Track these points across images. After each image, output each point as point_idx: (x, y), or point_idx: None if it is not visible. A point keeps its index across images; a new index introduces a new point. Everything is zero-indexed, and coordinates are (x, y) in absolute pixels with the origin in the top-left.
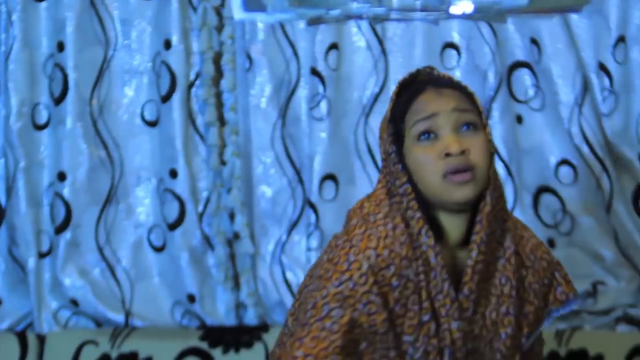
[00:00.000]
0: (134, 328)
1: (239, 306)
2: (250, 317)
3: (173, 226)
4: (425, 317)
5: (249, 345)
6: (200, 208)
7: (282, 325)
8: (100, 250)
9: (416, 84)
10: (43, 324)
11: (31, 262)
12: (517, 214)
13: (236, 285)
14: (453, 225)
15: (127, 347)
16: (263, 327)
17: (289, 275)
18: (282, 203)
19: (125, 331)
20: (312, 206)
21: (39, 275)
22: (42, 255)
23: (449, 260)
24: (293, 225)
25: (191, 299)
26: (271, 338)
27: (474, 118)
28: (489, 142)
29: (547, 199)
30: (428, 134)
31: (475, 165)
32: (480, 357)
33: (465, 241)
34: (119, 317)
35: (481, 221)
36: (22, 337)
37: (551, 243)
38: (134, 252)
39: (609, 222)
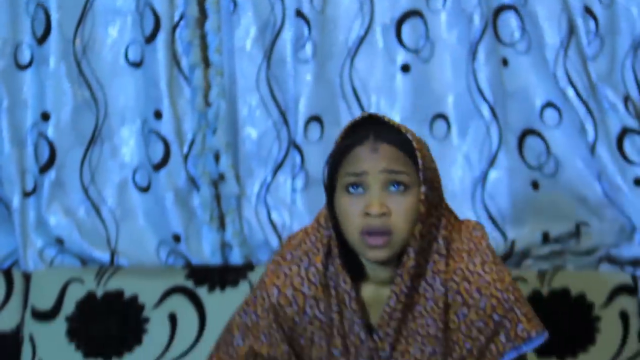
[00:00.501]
0: (119, 267)
1: (224, 246)
2: (236, 257)
3: (158, 167)
4: (335, 352)
5: (234, 284)
6: (185, 149)
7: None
8: (85, 190)
9: (358, 133)
10: (29, 262)
11: (16, 201)
12: (502, 156)
13: (221, 226)
14: (378, 269)
15: (113, 285)
16: (248, 267)
17: (274, 215)
18: (267, 144)
19: (111, 270)
20: (298, 148)
21: (24, 214)
22: (26, 194)
23: (374, 295)
24: (278, 167)
25: (176, 238)
26: (256, 277)
27: (405, 178)
28: (420, 201)
29: (531, 141)
30: (357, 186)
31: (393, 228)
32: None
33: (393, 280)
34: (105, 256)
35: (402, 274)
36: (7, 275)
37: (535, 185)
38: (119, 192)
39: (593, 165)
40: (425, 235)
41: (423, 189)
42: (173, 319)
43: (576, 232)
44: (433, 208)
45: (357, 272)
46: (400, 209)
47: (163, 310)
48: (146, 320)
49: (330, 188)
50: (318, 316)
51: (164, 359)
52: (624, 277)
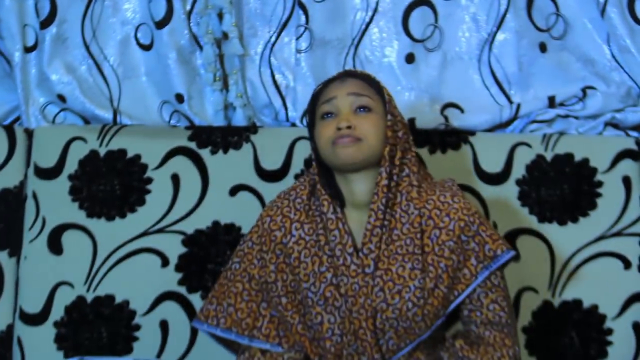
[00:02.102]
0: (122, 126)
1: (228, 107)
2: (239, 119)
3: (160, 24)
4: (322, 268)
5: (237, 146)
6: (188, 6)
7: (269, 126)
8: (87, 46)
9: (332, 78)
10: (31, 119)
11: (17, 56)
12: (510, 17)
13: (225, 86)
14: (356, 193)
15: (116, 144)
16: (252, 129)
17: (277, 77)
18: (271, 3)
19: (114, 129)
20: (302, 6)
21: (25, 69)
22: (27, 50)
23: (357, 222)
24: (283, 26)
25: (179, 98)
26: (259, 139)
27: (370, 102)
28: (387, 127)
29: (540, 2)
30: (330, 114)
31: (362, 137)
32: (383, 312)
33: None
34: (107, 115)
35: (377, 192)
36: (9, 131)
37: (543, 47)
38: (121, 49)
39: (602, 26)
40: (396, 161)
41: (389, 116)
42: (176, 180)
43: (582, 96)
44: (401, 144)
45: (339, 201)
46: (366, 123)
47: (166, 171)
48: (149, 180)
49: (312, 126)
50: (303, 237)
51: (166, 219)
52: (628, 142)
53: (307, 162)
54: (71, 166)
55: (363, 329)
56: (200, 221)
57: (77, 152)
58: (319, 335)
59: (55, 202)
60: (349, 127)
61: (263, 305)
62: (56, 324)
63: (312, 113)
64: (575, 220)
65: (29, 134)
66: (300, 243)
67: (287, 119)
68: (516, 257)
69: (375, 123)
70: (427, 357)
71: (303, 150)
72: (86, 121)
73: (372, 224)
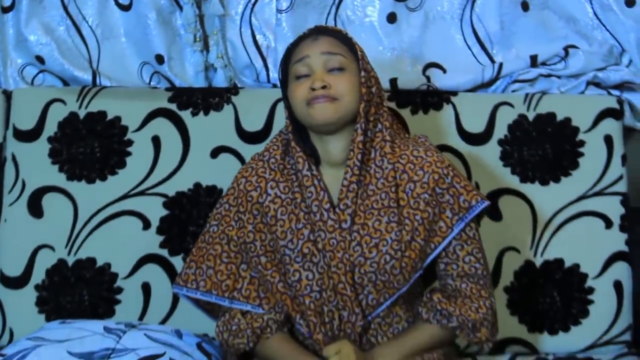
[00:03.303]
0: (102, 87)
1: (208, 68)
2: (220, 80)
3: None
4: (299, 225)
5: (218, 107)
6: None
7: (251, 87)
8: (65, 7)
9: (304, 35)
10: (9, 80)
11: None
12: None
13: (205, 47)
14: (332, 149)
15: (95, 106)
16: (232, 90)
17: (258, 37)
18: None
19: (94, 90)
20: None
21: (2, 30)
22: (4, 10)
23: (333, 179)
24: None
25: (159, 59)
26: (240, 100)
27: (343, 61)
28: (360, 83)
29: None
30: (304, 75)
31: (337, 96)
32: (361, 266)
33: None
34: (87, 77)
35: (353, 149)
36: None
37: (525, 6)
38: (100, 9)
39: None
40: (370, 117)
41: (363, 73)
42: (157, 142)
43: (564, 55)
44: (375, 100)
45: (314, 158)
46: (340, 81)
47: (146, 133)
48: (130, 142)
49: (286, 84)
50: (279, 195)
51: (147, 182)
52: (610, 100)
53: None
54: (50, 128)
55: (342, 283)
56: (181, 183)
57: (57, 114)
58: (298, 293)
59: (34, 164)
60: (323, 87)
61: (243, 267)
62: (37, 287)
63: (285, 71)
64: (557, 179)
65: (7, 95)
66: (276, 201)
67: (269, 80)
68: (494, 216)
69: (350, 81)
70: (406, 314)
71: (285, 112)
72: (65, 83)
73: (348, 180)
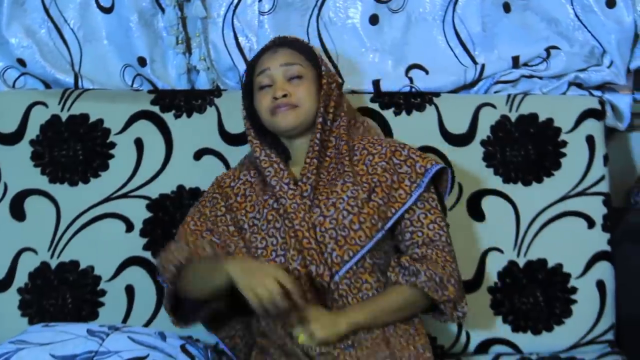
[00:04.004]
0: (84, 90)
1: (191, 70)
2: (203, 82)
3: None
4: (265, 197)
5: (201, 109)
6: None
7: (233, 89)
8: (46, 9)
9: (265, 47)
10: None
11: None
12: None
13: (187, 49)
14: (299, 148)
15: (78, 109)
16: (215, 92)
17: (241, 39)
18: None
19: (76, 93)
20: None
21: None
22: None
23: (298, 171)
24: None
25: (142, 62)
26: (223, 103)
27: (300, 70)
28: (320, 90)
29: None
30: (267, 85)
31: (298, 103)
32: (321, 224)
33: None
34: (69, 79)
35: (315, 133)
36: None
37: (507, 7)
38: (81, 12)
39: None
40: (329, 114)
41: (323, 68)
42: (140, 144)
43: (546, 56)
44: (335, 95)
45: (284, 155)
46: (299, 89)
47: (129, 135)
48: (112, 145)
49: (250, 95)
50: (249, 179)
51: (131, 184)
52: (591, 101)
53: None
54: (32, 131)
55: (307, 238)
56: (164, 186)
57: (39, 117)
58: (264, 259)
59: (17, 168)
60: (284, 96)
61: (206, 232)
62: (20, 291)
63: (251, 83)
64: (539, 180)
65: None
66: (246, 183)
67: None
68: (477, 216)
69: (308, 88)
70: (376, 283)
71: (242, 112)
72: (47, 85)
73: (309, 157)
